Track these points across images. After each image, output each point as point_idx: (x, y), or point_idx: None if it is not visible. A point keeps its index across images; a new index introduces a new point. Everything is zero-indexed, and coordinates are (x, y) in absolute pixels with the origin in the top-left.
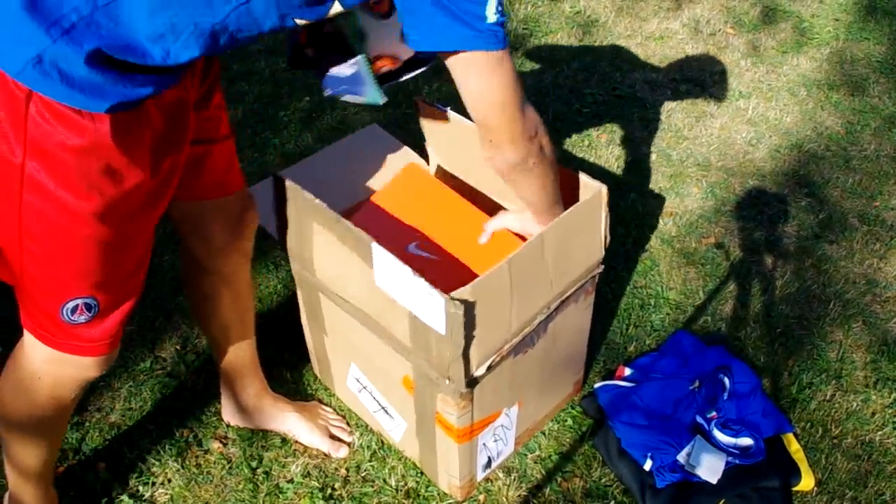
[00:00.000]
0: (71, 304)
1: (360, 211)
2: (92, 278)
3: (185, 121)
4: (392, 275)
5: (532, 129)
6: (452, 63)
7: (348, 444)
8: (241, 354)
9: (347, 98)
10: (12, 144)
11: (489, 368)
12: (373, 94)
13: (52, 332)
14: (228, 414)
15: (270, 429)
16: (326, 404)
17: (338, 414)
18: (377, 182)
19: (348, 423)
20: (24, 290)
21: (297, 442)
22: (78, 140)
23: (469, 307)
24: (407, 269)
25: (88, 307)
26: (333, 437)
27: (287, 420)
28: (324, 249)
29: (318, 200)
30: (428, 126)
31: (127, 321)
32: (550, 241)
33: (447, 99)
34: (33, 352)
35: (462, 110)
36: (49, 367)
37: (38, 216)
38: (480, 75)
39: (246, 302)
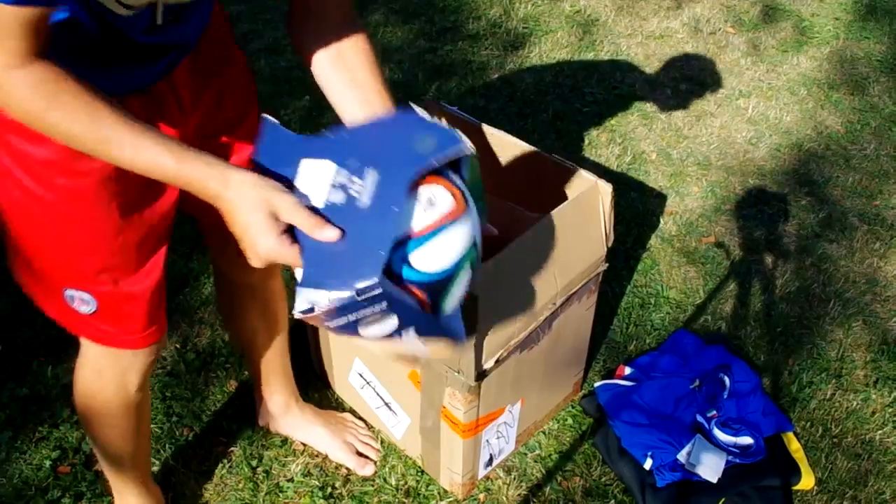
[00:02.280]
0: (68, 294)
1: None
2: (75, 271)
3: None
4: None
5: None
6: None
7: (375, 462)
8: (269, 362)
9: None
10: None
11: (497, 362)
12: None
13: (73, 321)
14: (261, 417)
15: (296, 438)
16: (336, 408)
17: (369, 429)
18: None
19: (377, 440)
20: (35, 275)
21: (324, 456)
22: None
23: (481, 296)
24: None
25: (84, 301)
26: (360, 454)
27: (314, 433)
28: None
29: None
30: None
31: (153, 312)
32: (548, 231)
33: (451, 99)
34: (85, 349)
35: (469, 110)
36: (104, 360)
37: (9, 199)
38: None
39: (275, 312)
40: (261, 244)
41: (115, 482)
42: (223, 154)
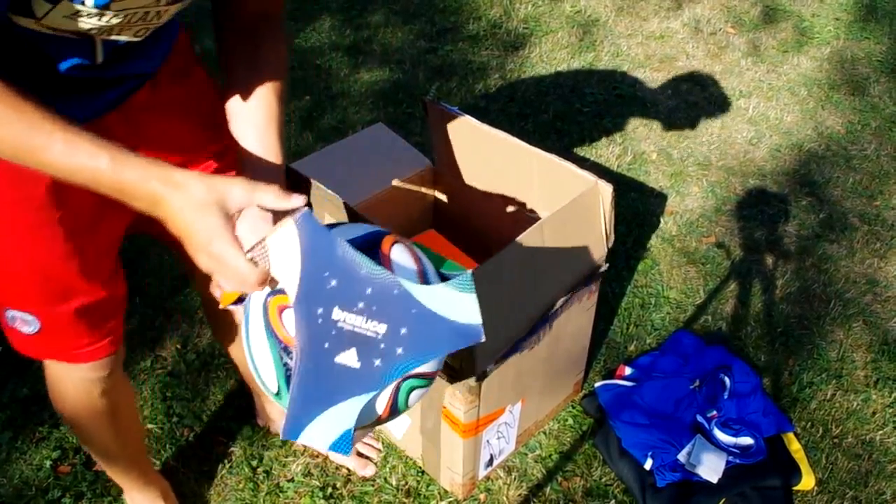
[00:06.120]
0: (10, 315)
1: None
2: (15, 293)
3: None
4: None
5: None
6: None
7: (375, 463)
8: None
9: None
10: None
11: (497, 362)
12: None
13: (15, 340)
14: (260, 418)
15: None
16: None
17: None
18: (383, 181)
19: (378, 440)
20: None
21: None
22: None
23: (482, 296)
24: None
25: (26, 321)
26: (360, 455)
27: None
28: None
29: (330, 192)
30: (435, 127)
31: (101, 329)
32: (548, 231)
33: (452, 99)
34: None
35: (469, 111)
36: (60, 371)
37: None
38: None
39: None
40: (212, 242)
41: (115, 478)
42: None
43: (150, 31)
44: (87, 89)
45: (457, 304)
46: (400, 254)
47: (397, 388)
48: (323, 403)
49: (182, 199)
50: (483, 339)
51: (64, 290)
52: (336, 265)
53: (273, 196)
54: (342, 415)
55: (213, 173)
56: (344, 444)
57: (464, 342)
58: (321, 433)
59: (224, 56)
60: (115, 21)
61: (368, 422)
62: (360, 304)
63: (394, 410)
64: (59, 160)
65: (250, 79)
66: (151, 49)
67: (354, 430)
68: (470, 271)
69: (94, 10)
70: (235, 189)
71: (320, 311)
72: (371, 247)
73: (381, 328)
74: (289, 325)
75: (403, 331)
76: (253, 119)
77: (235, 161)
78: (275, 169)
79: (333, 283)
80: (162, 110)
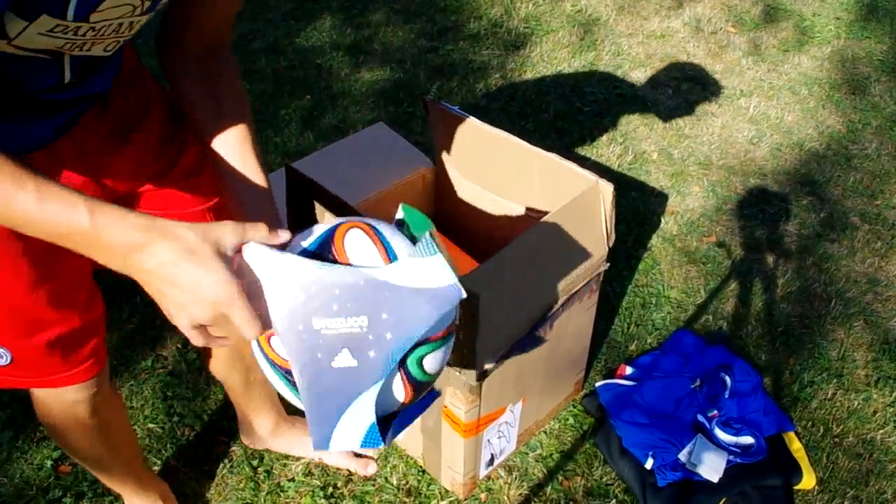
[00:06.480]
0: None
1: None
2: None
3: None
4: None
5: None
6: None
7: (375, 460)
8: (250, 398)
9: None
10: None
11: (498, 361)
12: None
13: None
14: (247, 439)
15: (292, 454)
16: None
17: None
18: (383, 181)
19: None
20: None
21: (323, 463)
22: None
23: (482, 296)
24: None
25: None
26: (359, 455)
27: (308, 446)
28: None
29: (331, 191)
30: (436, 126)
31: (78, 354)
32: (549, 231)
33: (452, 98)
34: None
35: (470, 110)
36: (45, 394)
37: None
38: None
39: (248, 357)
40: (223, 292)
41: (111, 486)
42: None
43: (120, 45)
44: (48, 112)
45: (425, 270)
46: (356, 241)
47: (405, 366)
48: (338, 409)
49: (172, 248)
50: (464, 296)
51: (34, 322)
52: (297, 280)
53: (264, 234)
54: (360, 412)
55: (157, 192)
56: (373, 437)
57: (447, 305)
58: (348, 435)
59: (182, 98)
60: (90, 34)
61: (394, 409)
62: (335, 307)
63: (416, 385)
64: (31, 209)
65: (215, 116)
66: (109, 66)
67: (392, 423)
68: (429, 231)
69: (73, 24)
70: (227, 234)
71: (301, 327)
72: (325, 245)
73: (363, 321)
74: (280, 351)
75: (384, 316)
76: (228, 154)
77: (184, 173)
78: (264, 193)
79: (302, 297)
80: (108, 130)
